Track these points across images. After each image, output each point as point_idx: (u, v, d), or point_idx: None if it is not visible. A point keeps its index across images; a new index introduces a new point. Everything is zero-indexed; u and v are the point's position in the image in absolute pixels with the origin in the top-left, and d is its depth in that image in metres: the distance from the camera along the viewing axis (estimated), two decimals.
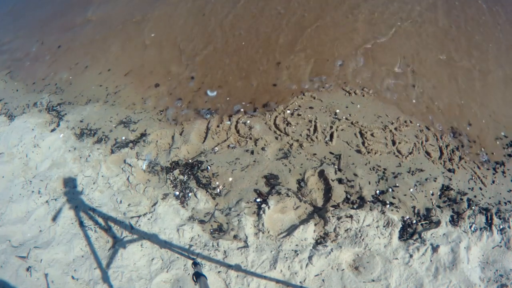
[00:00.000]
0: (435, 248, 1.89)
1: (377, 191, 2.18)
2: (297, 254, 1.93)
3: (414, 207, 2.09)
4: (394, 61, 2.99)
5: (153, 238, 2.12)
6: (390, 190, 2.17)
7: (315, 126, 2.56)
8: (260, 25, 3.51)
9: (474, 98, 2.73)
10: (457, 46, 3.16)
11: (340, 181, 2.23)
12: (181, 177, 2.42)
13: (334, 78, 2.89)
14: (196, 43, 3.56)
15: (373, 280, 1.84)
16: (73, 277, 2.05)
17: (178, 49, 3.56)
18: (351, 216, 2.03)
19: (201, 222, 2.17)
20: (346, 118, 2.59)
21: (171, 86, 3.20)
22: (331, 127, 2.53)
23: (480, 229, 1.99)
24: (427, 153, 2.37)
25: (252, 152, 2.48)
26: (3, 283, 2.08)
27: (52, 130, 3.04)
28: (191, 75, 3.21)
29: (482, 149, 2.41)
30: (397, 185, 2.18)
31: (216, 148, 2.55)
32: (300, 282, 1.86)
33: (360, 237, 1.97)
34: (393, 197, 2.13)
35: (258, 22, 3.55)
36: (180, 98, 3.00)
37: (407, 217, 2.06)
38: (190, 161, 2.51)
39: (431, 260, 1.88)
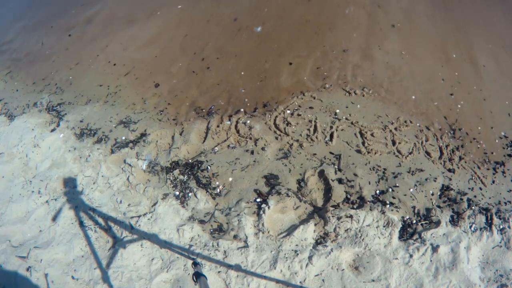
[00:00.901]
0: (435, 248, 1.89)
1: (377, 191, 2.18)
2: (297, 254, 1.93)
3: (414, 207, 2.09)
4: (392, 60, 2.99)
5: (153, 238, 2.12)
6: (390, 190, 2.16)
7: (315, 126, 2.56)
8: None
9: (474, 96, 2.73)
10: (454, 43, 3.16)
11: (340, 181, 2.23)
12: (181, 177, 2.42)
13: (334, 78, 2.89)
14: (201, 42, 3.56)
15: (373, 280, 1.84)
16: (73, 277, 2.05)
17: (181, 49, 3.56)
18: (351, 216, 2.03)
19: (201, 222, 2.17)
20: (346, 118, 2.59)
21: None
22: (331, 127, 2.53)
23: (480, 229, 1.99)
24: (427, 153, 2.37)
25: (252, 152, 2.48)
26: (3, 283, 2.08)
27: (52, 130, 3.04)
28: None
29: (483, 148, 2.41)
30: (397, 185, 2.18)
31: (216, 148, 2.55)
32: (300, 282, 1.86)
33: (360, 237, 1.97)
34: (393, 197, 2.13)
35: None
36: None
37: (407, 217, 2.06)
38: (190, 161, 2.51)
39: (431, 260, 1.88)
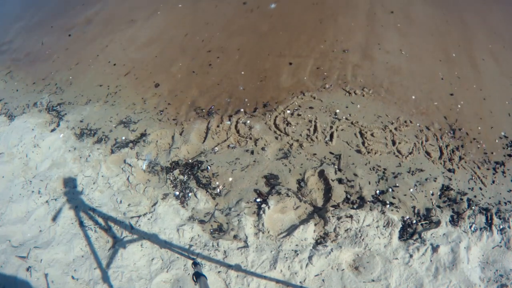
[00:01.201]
0: (435, 248, 1.89)
1: (377, 191, 2.17)
2: (297, 254, 1.93)
3: (414, 207, 2.09)
4: (392, 60, 2.99)
5: (153, 238, 2.12)
6: (390, 190, 2.16)
7: (315, 126, 2.56)
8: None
9: (474, 96, 2.73)
10: (454, 42, 3.16)
11: (340, 181, 2.23)
12: (181, 177, 2.42)
13: (334, 78, 2.89)
14: (200, 42, 3.56)
15: (373, 280, 1.84)
16: (73, 277, 2.05)
17: (181, 49, 3.56)
18: (351, 216, 2.03)
19: (201, 222, 2.17)
20: (346, 118, 2.59)
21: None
22: (331, 127, 2.53)
23: (480, 229, 1.99)
24: (427, 153, 2.37)
25: (252, 152, 2.48)
26: (3, 283, 2.08)
27: (52, 130, 3.04)
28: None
29: (483, 148, 2.41)
30: (397, 185, 2.18)
31: (216, 148, 2.55)
32: (300, 282, 1.86)
33: (360, 237, 1.97)
34: (393, 197, 2.13)
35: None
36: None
37: (407, 217, 2.06)
38: (190, 161, 2.51)
39: (431, 260, 1.88)
